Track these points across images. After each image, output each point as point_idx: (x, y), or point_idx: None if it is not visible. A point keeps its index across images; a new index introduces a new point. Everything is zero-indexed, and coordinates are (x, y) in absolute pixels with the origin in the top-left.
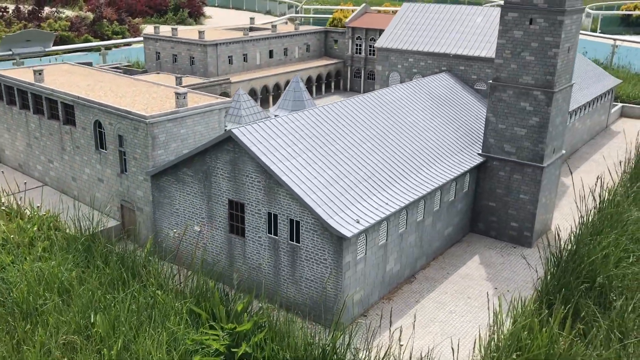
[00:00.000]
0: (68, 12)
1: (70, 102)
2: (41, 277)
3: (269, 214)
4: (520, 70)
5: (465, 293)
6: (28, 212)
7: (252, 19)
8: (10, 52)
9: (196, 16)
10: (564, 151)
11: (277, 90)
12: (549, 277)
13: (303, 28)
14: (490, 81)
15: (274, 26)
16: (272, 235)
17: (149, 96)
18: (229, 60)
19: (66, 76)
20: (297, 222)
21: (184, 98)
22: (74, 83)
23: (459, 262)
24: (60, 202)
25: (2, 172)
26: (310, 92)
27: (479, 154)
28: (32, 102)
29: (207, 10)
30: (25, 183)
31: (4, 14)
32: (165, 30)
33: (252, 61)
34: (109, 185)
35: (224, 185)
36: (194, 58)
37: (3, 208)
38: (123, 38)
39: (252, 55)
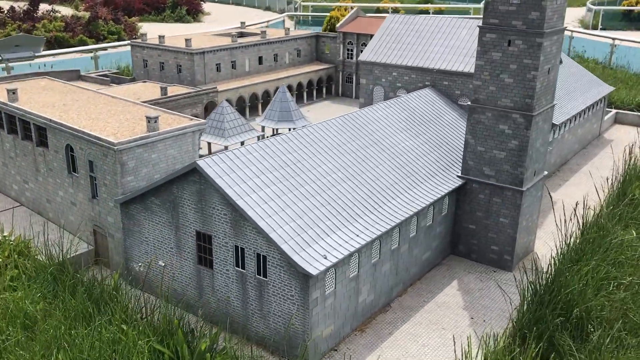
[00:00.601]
0: (65, 11)
1: (42, 125)
2: (5, 311)
3: (236, 247)
4: (499, 92)
5: (440, 323)
6: (5, 233)
7: (242, 23)
8: (0, 58)
9: (194, 13)
10: (545, 172)
11: (267, 97)
12: (525, 307)
13: (293, 33)
14: (469, 102)
15: (264, 32)
16: (240, 269)
17: (123, 117)
18: (217, 67)
19: (42, 94)
20: (264, 257)
21: (155, 122)
22: (49, 103)
23: (436, 289)
24: (33, 225)
25: None
26: (301, 98)
27: (458, 176)
28: (6, 122)
29: (206, 6)
30: None
31: None
32: (155, 35)
33: (240, 68)
34: (82, 210)
35: (191, 216)
36: (180, 66)
37: None
38: (118, 38)
39: (240, 62)
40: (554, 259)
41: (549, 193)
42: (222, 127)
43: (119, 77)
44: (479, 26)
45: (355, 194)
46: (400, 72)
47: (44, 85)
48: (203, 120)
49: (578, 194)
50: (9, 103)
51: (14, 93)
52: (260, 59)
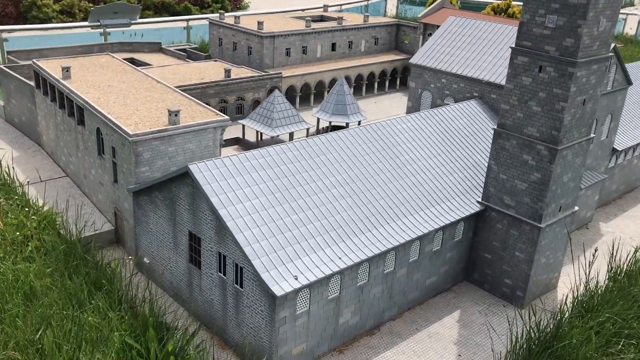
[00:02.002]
0: None
1: (81, 106)
2: (14, 282)
3: (219, 253)
4: (526, 120)
5: (424, 356)
6: (40, 203)
7: (325, 6)
8: (99, 23)
9: None
10: (576, 208)
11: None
12: (513, 353)
13: (373, 20)
14: (495, 127)
15: (341, 18)
16: (222, 275)
17: (156, 105)
18: (287, 52)
19: (96, 72)
20: (241, 268)
21: (176, 116)
22: (97, 83)
23: (434, 317)
24: (69, 198)
25: (36, 151)
26: (371, 89)
27: (478, 202)
28: (58, 97)
29: None
30: (40, 176)
31: None
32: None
33: (311, 54)
34: (107, 191)
35: (186, 216)
36: (251, 48)
37: (16, 198)
38: (222, 7)
39: (312, 47)
40: (565, 304)
41: (568, 236)
42: (271, 117)
43: (195, 53)
44: (511, 47)
45: (352, 212)
46: (450, 80)
47: (102, 63)
48: (225, 117)
49: (632, 228)
50: (60, 80)
51: (67, 71)
52: (333, 46)
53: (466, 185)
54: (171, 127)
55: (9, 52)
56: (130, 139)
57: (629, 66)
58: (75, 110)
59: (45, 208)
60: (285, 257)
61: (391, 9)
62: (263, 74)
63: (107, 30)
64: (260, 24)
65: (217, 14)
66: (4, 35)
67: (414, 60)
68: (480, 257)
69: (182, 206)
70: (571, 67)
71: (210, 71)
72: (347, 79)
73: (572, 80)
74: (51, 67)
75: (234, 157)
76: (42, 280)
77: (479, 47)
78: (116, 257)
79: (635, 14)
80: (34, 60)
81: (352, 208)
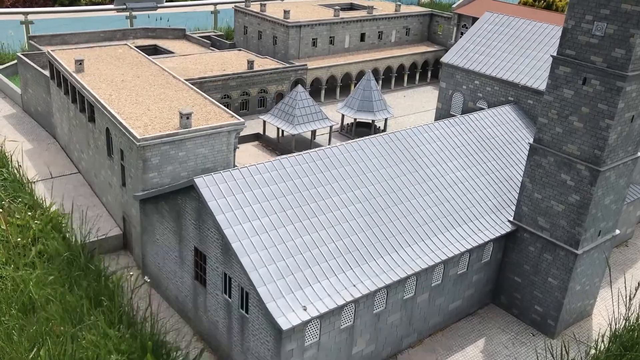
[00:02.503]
0: None
1: (91, 103)
2: (13, 291)
3: (225, 274)
4: (565, 136)
5: None
6: (48, 202)
7: None
8: (125, 6)
9: None
10: (617, 232)
11: (362, 78)
12: None
13: (405, 9)
14: (531, 142)
15: (371, 7)
16: (227, 297)
17: (169, 104)
18: (313, 42)
19: (110, 65)
20: (247, 293)
21: (188, 119)
22: (110, 77)
23: (456, 345)
24: (79, 197)
25: (50, 144)
26: (401, 81)
27: (509, 221)
28: (70, 91)
29: None
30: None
31: None
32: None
33: (339, 44)
34: (115, 193)
35: (191, 231)
36: (276, 38)
37: (23, 197)
38: None
39: (340, 38)
40: (602, 340)
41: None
42: (293, 114)
43: (220, 41)
44: (552, 56)
45: (371, 232)
46: (483, 82)
47: (119, 54)
48: (240, 120)
49: None
50: (72, 74)
51: (80, 64)
52: (362, 36)
53: (497, 202)
54: (182, 131)
55: (30, 37)
56: (137, 143)
57: None
58: (86, 106)
59: (53, 209)
60: (295, 284)
61: None
62: (287, 65)
63: (133, 13)
64: (286, 12)
65: (239, 2)
66: (30, 17)
67: (445, 59)
68: (509, 280)
69: (188, 220)
70: (620, 80)
71: (233, 62)
72: (376, 71)
73: (620, 95)
74: (65, 58)
75: (244, 170)
76: (43, 290)
77: (516, 48)
78: (123, 264)
79: None
80: (49, 50)
81: (370, 228)
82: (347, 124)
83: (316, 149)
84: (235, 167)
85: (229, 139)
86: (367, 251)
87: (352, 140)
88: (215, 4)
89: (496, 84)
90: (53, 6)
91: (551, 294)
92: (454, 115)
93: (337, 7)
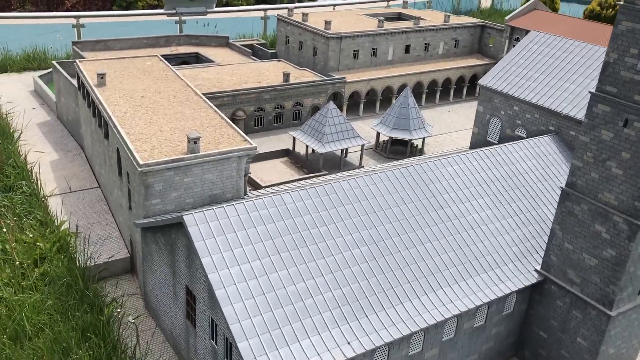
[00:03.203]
0: None
1: (106, 119)
2: (8, 317)
3: (211, 319)
4: (602, 183)
5: None
6: (62, 218)
7: (405, 2)
8: (174, 11)
9: None
10: None
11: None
12: None
13: (455, 20)
14: (563, 186)
15: (419, 18)
16: (214, 344)
17: (184, 125)
18: (354, 54)
19: (134, 79)
20: (231, 344)
21: (195, 143)
22: (131, 92)
23: None
24: (93, 214)
25: (76, 155)
26: (447, 96)
27: (536, 271)
28: (92, 104)
29: None
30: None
31: None
32: (296, 9)
33: (382, 56)
34: (124, 215)
35: (183, 268)
36: (316, 49)
37: (36, 213)
38: None
39: (383, 49)
40: None
41: None
42: (322, 131)
43: (262, 49)
44: (590, 92)
45: (376, 279)
46: (522, 108)
47: (146, 67)
48: (252, 145)
49: None
50: (93, 87)
51: (102, 77)
52: (407, 48)
53: (524, 247)
54: (188, 157)
55: (74, 43)
56: (139, 169)
57: None
58: (103, 122)
59: (65, 226)
60: (281, 340)
61: (485, 0)
62: (324, 79)
63: (183, 18)
64: (327, 23)
65: (286, 9)
66: (82, 21)
67: (483, 81)
68: (534, 334)
69: (180, 256)
70: None
71: (270, 73)
72: (420, 84)
73: None
74: (90, 70)
75: (240, 206)
76: (38, 317)
77: (561, 72)
78: (126, 290)
79: None
80: (77, 60)
81: (375, 275)
82: (383, 141)
83: (323, 182)
84: (230, 204)
85: (239, 165)
86: (369, 302)
87: (363, 173)
88: (265, 10)
89: (536, 111)
90: (111, 9)
91: (580, 356)
92: (490, 142)
93: (381, 18)
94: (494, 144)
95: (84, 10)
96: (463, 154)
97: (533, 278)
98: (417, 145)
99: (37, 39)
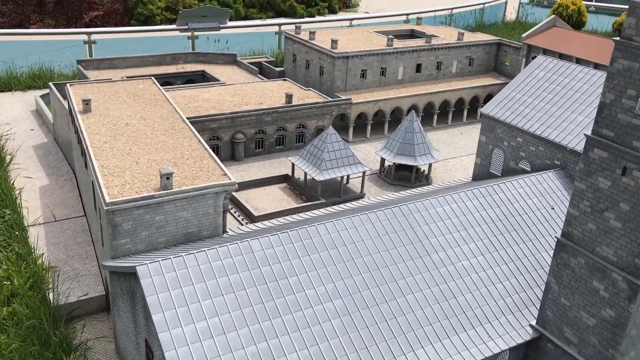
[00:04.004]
0: None
1: (84, 150)
2: None
3: None
4: (599, 235)
5: None
6: (42, 251)
7: (419, 19)
8: (187, 27)
9: None
10: None
11: (415, 112)
12: None
13: (469, 37)
14: (558, 236)
15: (431, 36)
16: None
17: (163, 156)
18: (362, 74)
19: (122, 104)
20: None
21: (168, 179)
22: (116, 119)
23: None
24: (74, 246)
25: (67, 180)
26: (460, 116)
27: (531, 326)
28: (77, 130)
29: None
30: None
31: None
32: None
33: (391, 76)
34: (100, 250)
35: (142, 320)
36: (323, 68)
37: (14, 246)
38: (329, 7)
39: (392, 69)
40: None
41: None
42: (321, 158)
43: (270, 67)
44: (586, 135)
45: (350, 337)
46: (526, 140)
47: (138, 91)
48: (231, 181)
49: None
50: (77, 115)
51: (87, 104)
52: (418, 67)
53: (519, 298)
54: (159, 194)
55: (79, 62)
56: (106, 207)
57: None
58: (84, 150)
59: (44, 259)
60: None
61: (511, 12)
62: (328, 100)
63: (195, 34)
64: (334, 42)
65: (295, 26)
66: (94, 37)
67: (485, 109)
68: None
69: (139, 307)
70: None
71: (274, 93)
72: (431, 105)
73: None
74: (79, 95)
75: (202, 255)
76: None
77: (568, 101)
78: (97, 332)
79: None
80: (68, 84)
81: (350, 332)
82: (388, 165)
83: (297, 227)
84: (190, 252)
85: (216, 201)
86: None
87: (344, 216)
88: (279, 25)
89: (541, 144)
90: (129, 23)
91: None
92: (493, 174)
93: (390, 37)
94: (497, 176)
95: (102, 25)
96: (455, 194)
97: (527, 335)
98: (423, 170)
99: (45, 56)
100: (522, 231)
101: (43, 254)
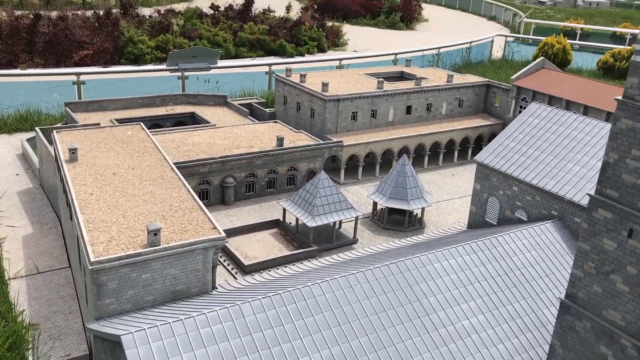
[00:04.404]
0: (280, 11)
1: (69, 202)
2: None
3: None
4: (606, 298)
5: None
6: (22, 307)
7: (408, 60)
8: (177, 67)
9: (408, 20)
10: None
11: (405, 153)
12: None
13: (458, 79)
14: (562, 297)
15: (421, 78)
16: None
17: (151, 208)
18: (353, 116)
19: (109, 153)
20: None
21: (155, 235)
22: (103, 168)
23: None
24: (57, 300)
25: (52, 228)
26: (451, 158)
27: None
28: (63, 179)
29: (427, 11)
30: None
31: (215, 11)
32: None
33: (382, 118)
34: (84, 307)
35: None
36: (314, 111)
37: None
38: (318, 45)
39: (383, 111)
40: None
41: None
42: (313, 203)
43: (260, 109)
44: (588, 194)
45: None
46: (522, 189)
47: (126, 138)
48: (221, 235)
49: None
50: (63, 164)
51: (73, 153)
52: (408, 109)
53: (525, 358)
54: (145, 251)
55: (67, 104)
56: (90, 266)
57: None
58: (69, 201)
59: (22, 318)
60: None
61: (498, 50)
62: (319, 143)
63: (186, 74)
64: (324, 85)
65: (286, 67)
66: (82, 78)
67: (480, 157)
68: None
69: None
70: None
71: (265, 136)
72: (421, 146)
73: None
74: (66, 142)
75: (190, 321)
76: None
77: (563, 150)
78: None
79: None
80: (54, 130)
81: None
82: (381, 209)
83: (290, 286)
84: (178, 320)
85: (205, 257)
86: None
87: (338, 271)
88: (270, 65)
89: (537, 193)
90: (119, 63)
91: None
92: (489, 223)
93: (380, 79)
94: (493, 225)
95: (92, 64)
96: (452, 248)
97: None
98: (416, 214)
99: (34, 96)
100: (522, 286)
101: (24, 311)
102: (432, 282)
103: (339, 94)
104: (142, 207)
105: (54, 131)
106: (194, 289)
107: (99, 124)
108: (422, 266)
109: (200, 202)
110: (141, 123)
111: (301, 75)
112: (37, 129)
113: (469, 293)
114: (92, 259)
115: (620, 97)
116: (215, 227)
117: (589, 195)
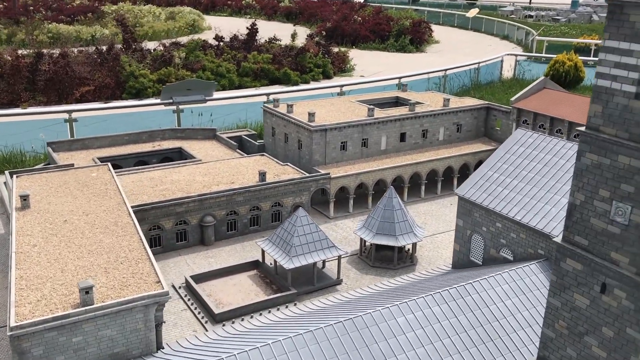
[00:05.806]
0: (286, 39)
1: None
2: None
3: None
4: None
5: None
6: None
7: (404, 85)
8: (171, 100)
9: (418, 43)
10: None
11: (400, 183)
12: None
13: (456, 103)
14: (537, 355)
15: (416, 103)
16: None
17: (94, 261)
18: (342, 146)
19: (67, 197)
20: None
21: (87, 293)
22: (55, 215)
23: None
24: None
25: None
26: (450, 185)
27: None
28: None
29: (438, 33)
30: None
31: (220, 42)
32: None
33: (374, 147)
34: None
35: None
36: (301, 142)
37: None
38: (324, 72)
39: (375, 139)
40: None
41: None
42: (290, 243)
43: (250, 141)
44: (556, 242)
45: None
46: (506, 226)
47: (88, 180)
48: (164, 290)
49: None
50: (13, 213)
51: (25, 200)
52: (402, 136)
53: None
54: (74, 312)
55: (49, 144)
56: (9, 333)
57: None
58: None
59: None
60: None
61: (508, 70)
62: (305, 176)
63: (180, 107)
64: (311, 115)
65: (282, 100)
66: (74, 115)
67: (460, 191)
68: None
69: None
70: None
71: (248, 171)
72: (417, 175)
73: None
74: (25, 187)
75: None
76: None
77: (550, 181)
78: None
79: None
80: (15, 175)
81: None
82: (366, 247)
83: (249, 346)
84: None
85: (146, 315)
86: None
87: (305, 326)
88: (267, 94)
89: (522, 230)
90: (121, 97)
91: None
92: (474, 263)
93: (371, 107)
94: (478, 264)
95: (94, 100)
96: (419, 299)
97: None
98: (408, 249)
99: (28, 136)
100: (501, 341)
101: None
102: (394, 339)
103: (325, 123)
104: (84, 259)
105: (14, 175)
106: (135, 351)
107: (72, 164)
108: (383, 321)
109: (149, 251)
110: (108, 164)
111: (288, 106)
112: (6, 172)
113: (437, 351)
114: (13, 325)
115: (582, 129)
116: (159, 281)
117: (556, 243)
